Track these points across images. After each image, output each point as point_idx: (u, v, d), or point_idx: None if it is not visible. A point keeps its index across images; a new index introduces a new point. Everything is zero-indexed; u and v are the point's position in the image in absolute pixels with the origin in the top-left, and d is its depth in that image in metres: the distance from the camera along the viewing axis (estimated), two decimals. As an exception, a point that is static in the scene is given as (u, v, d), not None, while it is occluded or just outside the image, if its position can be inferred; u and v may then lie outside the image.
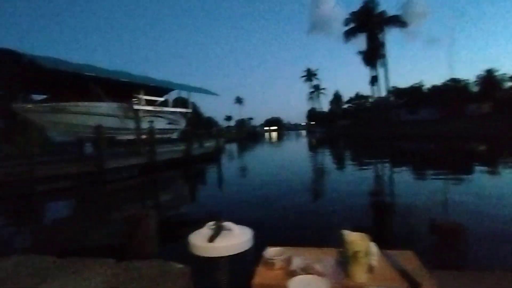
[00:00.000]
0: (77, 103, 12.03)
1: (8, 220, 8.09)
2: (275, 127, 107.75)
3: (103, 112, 12.84)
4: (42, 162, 10.11)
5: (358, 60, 47.20)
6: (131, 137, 14.59)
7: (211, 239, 1.23)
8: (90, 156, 13.19)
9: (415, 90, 42.47)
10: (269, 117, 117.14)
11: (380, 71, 42.15)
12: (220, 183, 11.90)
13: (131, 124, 14.21)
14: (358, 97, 60.20)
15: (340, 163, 16.05)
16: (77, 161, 11.95)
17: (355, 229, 1.38)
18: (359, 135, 34.16)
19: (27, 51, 10.49)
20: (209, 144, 19.78)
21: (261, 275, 1.29)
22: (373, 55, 41.28)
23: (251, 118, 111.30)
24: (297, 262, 1.32)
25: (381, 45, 41.40)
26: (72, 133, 13.10)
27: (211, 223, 1.35)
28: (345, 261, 1.31)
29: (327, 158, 19.04)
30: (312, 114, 76.10)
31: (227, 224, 1.33)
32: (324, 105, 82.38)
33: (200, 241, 1.25)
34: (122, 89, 13.76)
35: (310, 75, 76.20)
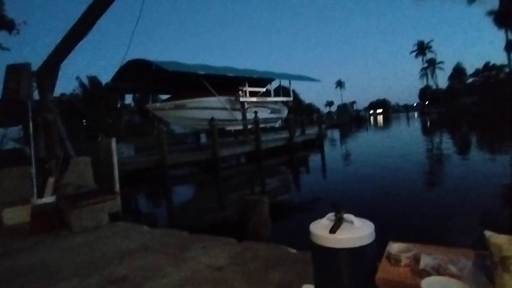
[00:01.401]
0: (193, 100, 13.64)
1: (148, 199, 9.90)
2: (381, 110, 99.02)
3: (214, 106, 14.21)
4: (169, 152, 11.95)
5: (487, 24, 38.81)
6: (238, 127, 15.75)
7: (333, 230, 1.25)
8: (205, 146, 14.84)
9: None
10: (374, 99, 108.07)
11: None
12: (324, 170, 11.78)
13: (238, 115, 15.31)
14: (488, 68, 49.71)
15: (464, 149, 13.73)
16: (195, 151, 13.63)
17: (501, 230, 1.19)
18: (489, 114, 28.24)
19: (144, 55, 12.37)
20: (311, 131, 19.71)
21: (385, 270, 1.25)
22: (510, 13, 33.21)
23: (353, 102, 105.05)
24: (427, 260, 1.22)
25: (523, -2, 32.91)
26: (190, 126, 14.96)
27: (331, 214, 1.37)
28: (489, 266, 1.14)
29: (446, 143, 16.55)
30: (426, 92, 66.75)
31: (348, 216, 1.32)
32: (441, 81, 70.87)
33: (321, 231, 1.29)
34: (229, 83, 14.90)
35: (423, 48, 66.70)
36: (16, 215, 4.68)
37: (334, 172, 10.90)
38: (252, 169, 13.20)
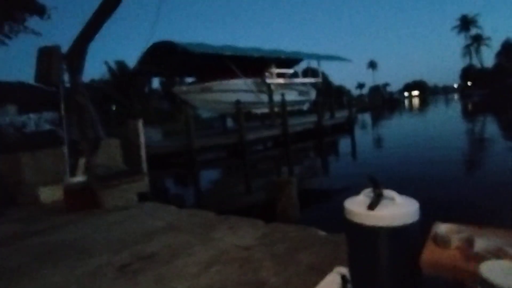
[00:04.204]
0: (219, 82, 13.62)
1: (176, 182, 10.14)
2: (417, 92, 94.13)
3: (240, 88, 14.12)
4: (196, 136, 12.11)
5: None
6: (265, 110, 15.60)
7: (371, 206, 1.14)
8: (231, 130, 14.88)
9: None
10: (409, 80, 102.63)
11: None
12: (354, 154, 11.46)
13: (264, 98, 15.15)
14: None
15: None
16: (222, 135, 13.71)
17: None
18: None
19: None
20: (341, 114, 19.14)
21: (432, 252, 1.13)
22: None
23: (387, 84, 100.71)
24: (482, 243, 1.08)
25: None
26: (217, 109, 15.02)
27: (369, 190, 1.25)
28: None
29: (493, 129, 15.37)
30: (469, 72, 62.32)
31: (388, 192, 1.20)
32: (487, 60, 65.35)
33: (358, 207, 1.18)
34: (255, 64, 14.69)
35: (466, 23, 61.95)
36: (51, 194, 4.95)
37: (366, 156, 10.53)
38: (280, 153, 13.10)
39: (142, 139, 5.34)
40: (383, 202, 1.17)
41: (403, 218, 1.13)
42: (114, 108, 26.74)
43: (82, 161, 5.09)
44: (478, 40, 60.81)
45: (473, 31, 61.41)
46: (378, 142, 14.28)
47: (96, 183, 4.66)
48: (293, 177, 3.60)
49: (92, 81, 29.68)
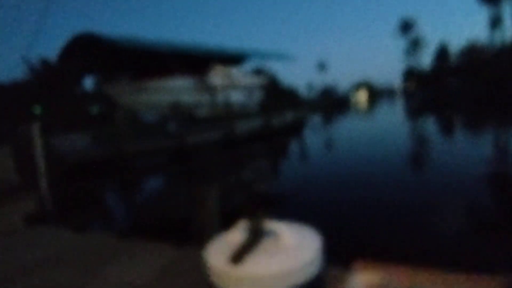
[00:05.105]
0: (155, 82, 12.73)
1: (93, 197, 8.98)
2: (364, 92, 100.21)
3: (180, 88, 13.36)
4: (130, 140, 11.10)
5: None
6: (208, 111, 14.99)
7: (236, 257, 0.67)
8: (173, 133, 14.01)
9: None
10: (357, 81, 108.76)
11: (507, 9, 34.31)
12: (303, 158, 11.37)
13: (207, 99, 14.55)
14: (470, 47, 50.92)
15: (454, 134, 13.60)
16: (160, 139, 12.80)
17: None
18: (477, 97, 28.50)
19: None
20: (290, 115, 19.21)
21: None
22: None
23: (335, 85, 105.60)
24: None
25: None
26: (154, 110, 14.05)
27: (246, 221, 0.79)
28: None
29: (433, 127, 16.48)
30: (410, 73, 67.85)
31: (273, 225, 0.75)
32: (425, 62, 71.45)
33: (220, 258, 0.71)
34: (196, 62, 14.06)
35: (406, 26, 67.28)
36: None
37: (313, 160, 10.49)
38: (225, 157, 12.61)
39: (38, 148, 4.47)
40: (265, 245, 0.72)
41: (294, 274, 0.69)
42: (38, 111, 24.12)
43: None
44: (416, 42, 66.32)
45: (413, 33, 66.82)
46: (328, 144, 14.44)
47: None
48: (215, 186, 3.10)
49: (15, 81, 26.51)
